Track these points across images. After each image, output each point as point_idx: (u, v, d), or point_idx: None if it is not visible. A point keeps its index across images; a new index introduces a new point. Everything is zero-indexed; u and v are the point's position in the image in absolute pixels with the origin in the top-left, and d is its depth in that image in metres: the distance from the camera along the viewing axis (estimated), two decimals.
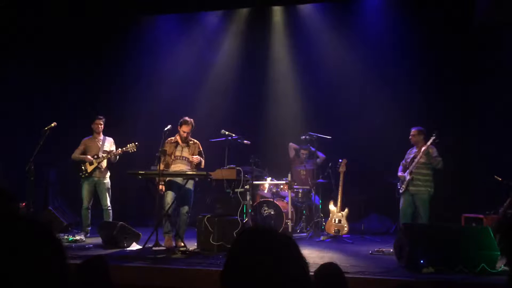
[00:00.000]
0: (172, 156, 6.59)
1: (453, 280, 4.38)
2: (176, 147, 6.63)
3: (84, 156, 7.07)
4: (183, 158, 6.61)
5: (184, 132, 6.58)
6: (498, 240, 5.17)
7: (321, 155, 8.14)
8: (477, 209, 6.69)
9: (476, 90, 8.15)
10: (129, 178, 6.95)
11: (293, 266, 1.13)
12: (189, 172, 6.32)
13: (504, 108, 7.64)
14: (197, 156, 6.62)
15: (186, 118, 6.63)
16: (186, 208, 6.43)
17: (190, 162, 6.61)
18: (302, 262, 1.17)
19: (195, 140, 6.76)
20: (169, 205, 6.23)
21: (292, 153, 8.40)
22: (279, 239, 1.18)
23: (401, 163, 6.82)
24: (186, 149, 6.64)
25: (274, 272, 1.09)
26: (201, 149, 6.78)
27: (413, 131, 6.70)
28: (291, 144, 8.42)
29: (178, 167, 6.53)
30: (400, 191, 6.62)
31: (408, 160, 6.68)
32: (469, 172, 7.87)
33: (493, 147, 7.64)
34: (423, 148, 6.45)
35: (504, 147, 7.38)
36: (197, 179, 6.49)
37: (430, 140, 6.41)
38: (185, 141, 6.65)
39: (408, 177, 6.51)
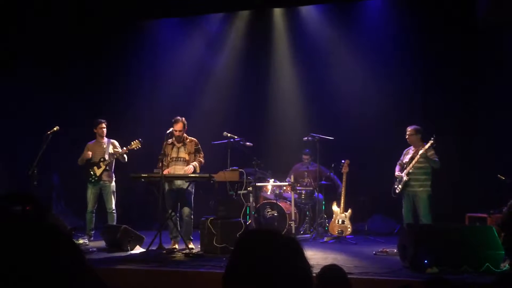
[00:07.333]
0: (168, 158, 6.49)
1: (458, 280, 4.37)
2: (172, 148, 6.52)
3: (87, 154, 7.02)
4: (179, 159, 6.47)
5: (176, 131, 6.41)
6: (503, 240, 5.18)
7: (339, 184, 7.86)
8: (481, 208, 6.65)
9: (478, 89, 8.13)
10: (132, 181, 6.96)
11: (296, 269, 1.12)
12: (191, 175, 6.31)
13: (507, 107, 7.61)
14: (189, 167, 6.38)
15: (177, 117, 6.47)
16: (187, 210, 6.37)
17: (187, 162, 6.48)
18: (305, 264, 1.16)
19: (192, 138, 6.59)
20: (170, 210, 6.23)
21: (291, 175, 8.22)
22: (282, 240, 1.16)
23: (398, 163, 6.78)
24: (182, 149, 6.49)
25: (277, 274, 1.07)
26: (199, 146, 6.59)
27: (409, 130, 6.61)
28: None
29: (174, 169, 6.41)
30: (396, 191, 6.58)
31: (405, 160, 6.62)
32: (473, 171, 7.84)
33: (496, 146, 7.61)
34: (420, 152, 6.36)
35: (507, 146, 7.35)
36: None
37: (428, 144, 6.30)
38: (181, 140, 6.50)
39: (405, 178, 6.47)
